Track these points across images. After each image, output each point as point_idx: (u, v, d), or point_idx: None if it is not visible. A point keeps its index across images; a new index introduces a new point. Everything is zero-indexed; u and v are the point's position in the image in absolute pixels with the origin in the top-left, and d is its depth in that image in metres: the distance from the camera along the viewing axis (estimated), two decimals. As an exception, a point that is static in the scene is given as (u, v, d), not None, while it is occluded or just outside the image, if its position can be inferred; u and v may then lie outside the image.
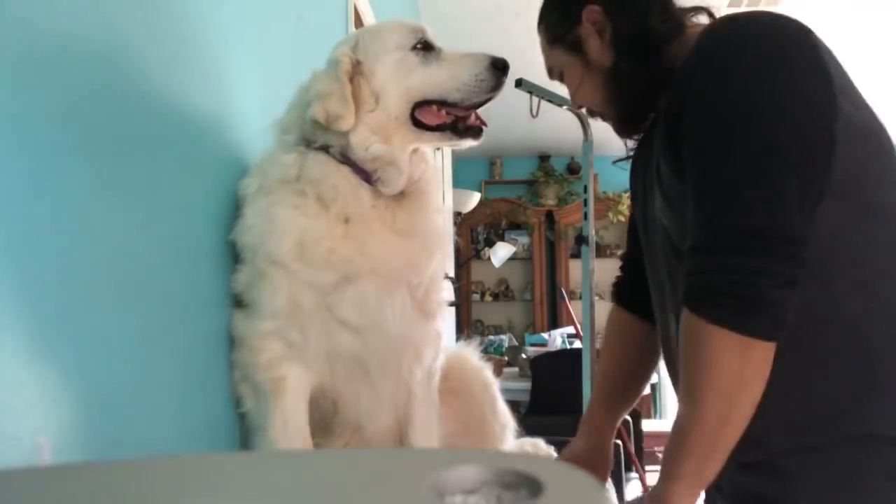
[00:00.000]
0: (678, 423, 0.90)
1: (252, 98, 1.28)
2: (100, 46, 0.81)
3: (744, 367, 0.84)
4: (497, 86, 1.11)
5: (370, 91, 1.09)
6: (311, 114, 1.05)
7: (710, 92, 0.89)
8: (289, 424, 1.05)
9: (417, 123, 1.11)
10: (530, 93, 2.02)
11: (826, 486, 0.90)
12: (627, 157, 1.19)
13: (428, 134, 1.11)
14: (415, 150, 1.14)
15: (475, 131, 1.13)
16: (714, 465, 0.87)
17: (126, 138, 0.86)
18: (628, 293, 1.32)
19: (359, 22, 2.32)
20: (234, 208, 1.11)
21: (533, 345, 4.57)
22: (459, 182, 5.09)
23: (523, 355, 4.23)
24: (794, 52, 0.88)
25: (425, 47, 1.13)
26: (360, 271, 1.04)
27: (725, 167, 0.86)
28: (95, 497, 0.35)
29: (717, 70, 0.89)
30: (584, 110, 1.19)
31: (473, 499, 0.34)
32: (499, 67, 1.11)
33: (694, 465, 0.88)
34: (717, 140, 0.87)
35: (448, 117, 1.12)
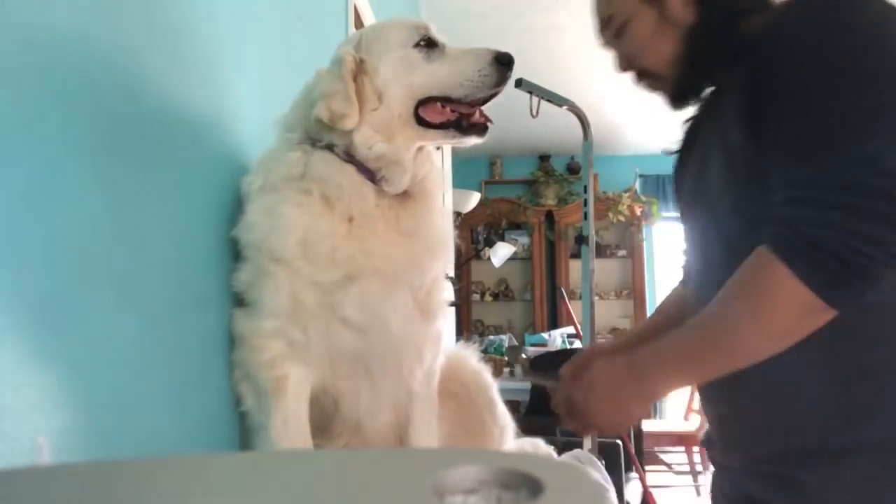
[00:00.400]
0: (698, 322, 0.87)
1: (252, 98, 1.28)
2: (100, 47, 0.81)
3: (798, 323, 0.81)
4: (501, 81, 1.10)
5: (373, 89, 1.09)
6: (316, 113, 1.05)
7: (814, 48, 0.83)
8: (289, 423, 1.05)
9: (421, 121, 1.10)
10: (530, 93, 2.02)
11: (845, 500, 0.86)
12: (676, 152, 1.13)
13: (432, 132, 1.11)
14: (419, 150, 1.14)
15: (480, 128, 1.12)
16: (695, 378, 0.90)
17: (126, 138, 0.86)
18: None
19: (359, 22, 2.32)
20: (235, 207, 1.11)
21: (533, 345, 4.58)
22: (459, 182, 5.09)
23: (523, 355, 4.23)
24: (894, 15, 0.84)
25: (428, 44, 1.12)
26: (362, 271, 1.04)
27: (843, 122, 0.80)
28: (95, 497, 0.35)
29: (819, 27, 0.84)
30: (636, 77, 1.08)
31: (473, 499, 0.34)
32: (502, 62, 1.10)
33: (686, 365, 0.88)
34: (830, 95, 0.81)
35: (452, 115, 1.11)
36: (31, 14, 0.69)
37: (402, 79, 1.10)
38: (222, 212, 1.11)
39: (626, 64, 1.08)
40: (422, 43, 1.11)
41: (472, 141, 1.13)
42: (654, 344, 0.91)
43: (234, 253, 1.10)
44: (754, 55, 0.89)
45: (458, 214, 4.78)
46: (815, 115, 0.82)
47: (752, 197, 0.89)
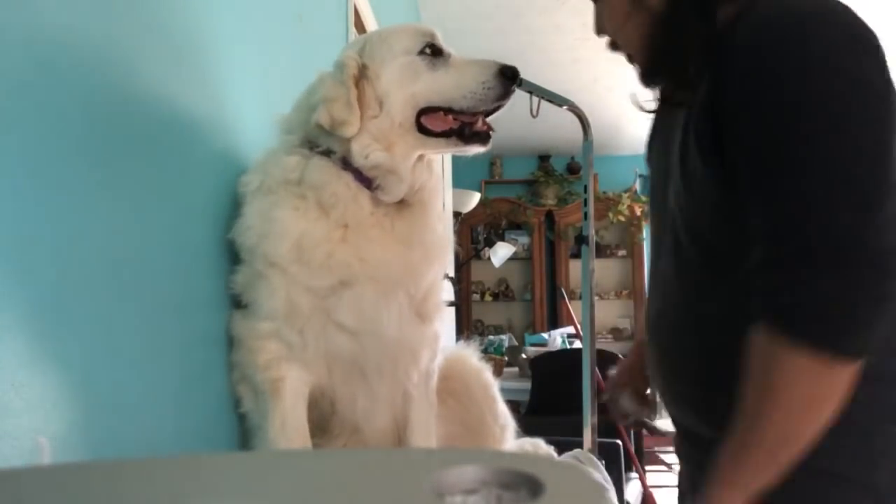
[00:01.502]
0: (736, 434, 0.83)
1: (252, 98, 1.28)
2: (99, 47, 0.81)
3: (819, 388, 0.78)
4: (505, 94, 1.08)
5: (374, 96, 1.07)
6: (316, 118, 1.04)
7: (774, 88, 0.80)
8: (287, 425, 1.05)
9: (423, 129, 1.09)
10: (530, 93, 2.02)
11: None
12: (653, 111, 1.08)
13: (433, 140, 1.09)
14: (420, 158, 1.12)
15: (482, 137, 1.10)
16: (769, 478, 0.82)
17: (125, 139, 0.86)
18: None
19: (359, 22, 2.32)
20: (234, 208, 1.11)
21: (533, 345, 4.57)
22: (459, 182, 5.08)
23: (523, 355, 4.23)
24: (865, 48, 0.80)
25: (434, 52, 1.10)
26: (357, 277, 1.04)
27: (806, 175, 0.78)
28: (95, 497, 0.35)
29: (782, 61, 0.80)
30: (610, 46, 1.07)
31: (473, 499, 0.34)
32: (507, 76, 1.08)
33: (750, 474, 0.83)
34: (793, 143, 0.79)
35: (455, 122, 1.10)
36: (31, 13, 0.69)
37: (404, 86, 1.08)
38: (223, 212, 1.11)
39: (599, 29, 1.06)
40: (426, 50, 1.10)
41: (475, 150, 1.12)
42: (716, 471, 0.85)
43: (234, 254, 1.10)
44: (717, 71, 0.85)
45: (458, 214, 4.78)
46: (788, 166, 0.80)
47: (711, 227, 0.89)
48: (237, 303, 1.10)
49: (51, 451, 0.67)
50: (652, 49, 0.98)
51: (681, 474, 1.09)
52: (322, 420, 1.15)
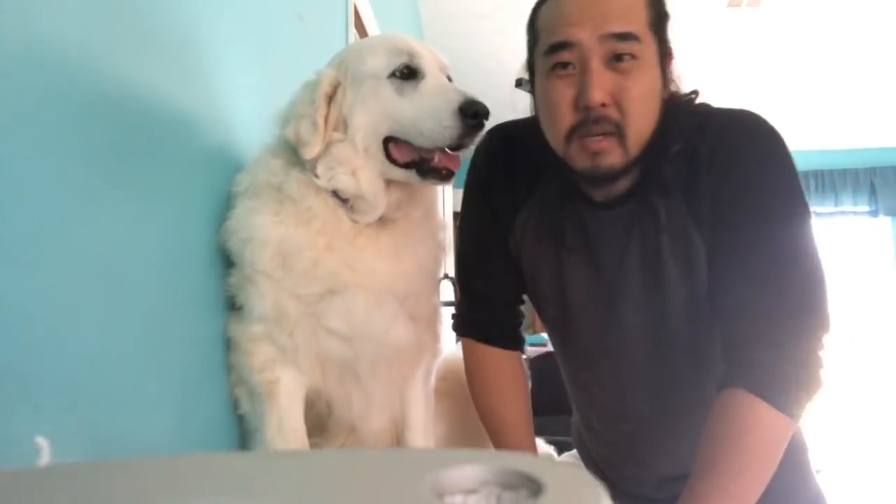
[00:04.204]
0: (711, 491, 0.91)
1: (252, 98, 1.28)
2: (98, 46, 0.81)
3: (782, 450, 0.92)
4: (466, 134, 0.97)
5: (341, 118, 1.02)
6: (285, 133, 1.01)
7: (769, 185, 0.96)
8: (284, 426, 1.04)
9: (390, 157, 1.02)
10: (531, 93, 2.01)
11: None
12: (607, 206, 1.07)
13: (396, 170, 1.02)
14: (395, 182, 1.05)
15: (439, 174, 1.01)
16: None
17: (125, 140, 0.85)
18: (484, 325, 1.23)
19: (358, 22, 2.32)
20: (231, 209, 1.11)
21: (533, 345, 4.56)
22: (460, 182, 5.08)
23: (523, 356, 4.22)
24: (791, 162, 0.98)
25: (407, 74, 1.01)
26: (346, 285, 1.02)
27: (792, 284, 0.94)
28: (95, 497, 0.35)
29: (767, 160, 0.96)
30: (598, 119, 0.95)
31: (473, 499, 0.34)
32: (468, 114, 0.95)
33: None
34: (786, 254, 0.95)
35: (416, 154, 1.02)
36: (31, 12, 0.69)
37: (367, 112, 1.01)
38: (222, 213, 1.10)
39: (602, 94, 0.92)
40: (398, 73, 1.01)
41: (433, 185, 1.05)
42: None
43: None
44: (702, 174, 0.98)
45: (458, 214, 4.77)
46: (783, 270, 0.94)
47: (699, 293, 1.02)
48: (232, 305, 1.09)
49: (50, 451, 0.67)
50: (651, 128, 0.97)
51: None
52: (319, 420, 1.15)
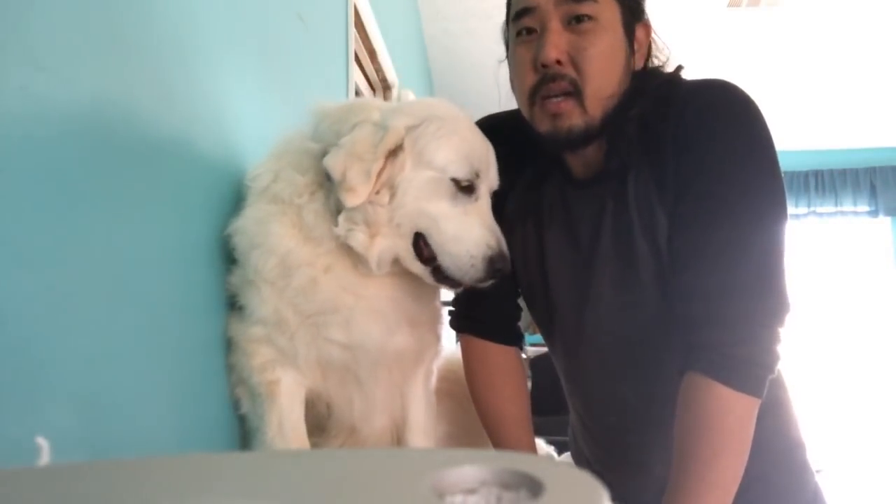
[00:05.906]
0: (689, 481, 0.91)
1: (252, 98, 1.28)
2: (97, 45, 0.81)
3: (752, 428, 0.92)
4: (484, 279, 0.98)
5: (391, 183, 0.97)
6: (327, 162, 0.95)
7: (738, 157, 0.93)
8: (284, 426, 1.04)
9: (416, 246, 1.00)
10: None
11: None
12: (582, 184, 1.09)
13: (416, 264, 1.01)
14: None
15: (452, 282, 1.01)
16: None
17: (124, 141, 0.85)
18: (485, 321, 1.23)
19: (359, 22, 2.32)
20: (235, 210, 1.11)
21: (533, 345, 4.57)
22: (459, 182, 5.07)
23: (523, 355, 4.22)
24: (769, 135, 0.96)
25: (468, 188, 0.99)
26: (346, 304, 1.01)
27: (748, 261, 0.92)
28: (95, 497, 0.35)
29: (736, 139, 0.94)
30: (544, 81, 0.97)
31: (473, 499, 0.34)
32: (494, 265, 0.97)
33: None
34: (743, 223, 0.92)
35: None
36: (30, 13, 0.69)
37: (418, 200, 0.97)
38: (223, 213, 1.10)
39: (557, 53, 0.95)
40: (462, 183, 0.98)
41: (444, 288, 1.05)
42: None
43: (232, 253, 1.10)
44: (671, 146, 0.96)
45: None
46: (735, 249, 0.92)
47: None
48: (233, 304, 1.09)
49: (51, 451, 0.67)
50: (618, 96, 0.99)
51: None
52: (319, 420, 1.15)
